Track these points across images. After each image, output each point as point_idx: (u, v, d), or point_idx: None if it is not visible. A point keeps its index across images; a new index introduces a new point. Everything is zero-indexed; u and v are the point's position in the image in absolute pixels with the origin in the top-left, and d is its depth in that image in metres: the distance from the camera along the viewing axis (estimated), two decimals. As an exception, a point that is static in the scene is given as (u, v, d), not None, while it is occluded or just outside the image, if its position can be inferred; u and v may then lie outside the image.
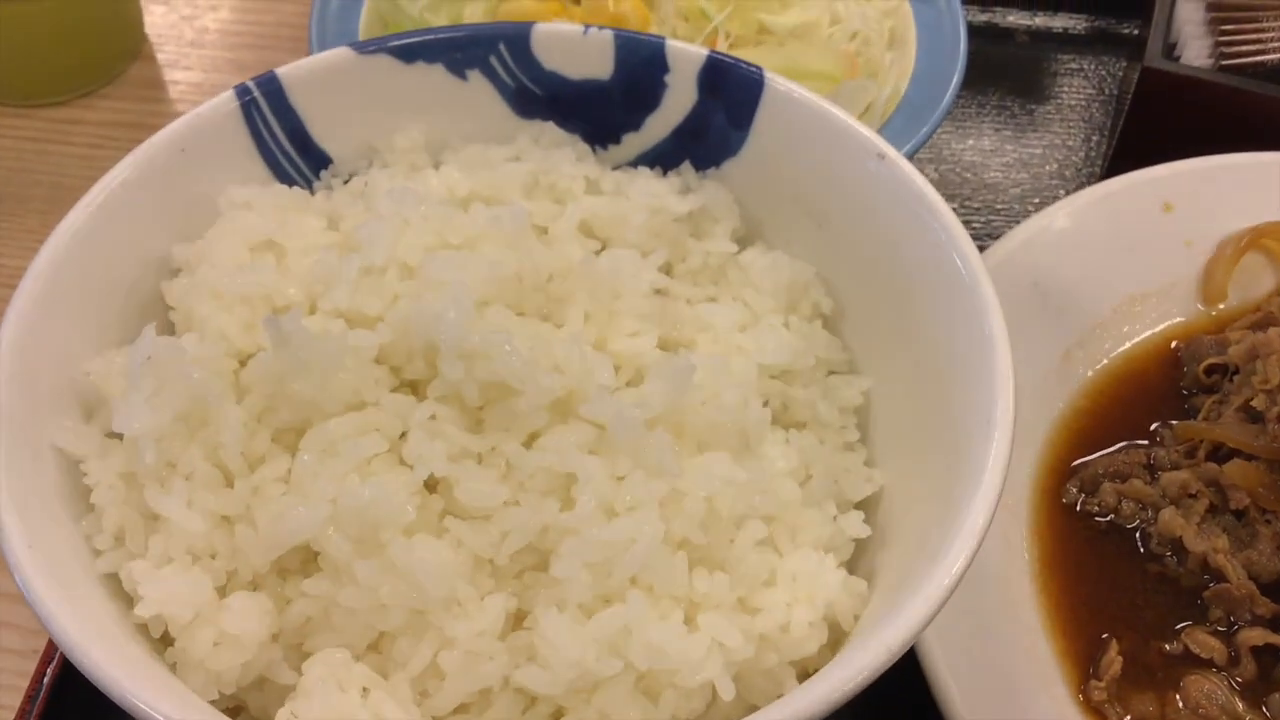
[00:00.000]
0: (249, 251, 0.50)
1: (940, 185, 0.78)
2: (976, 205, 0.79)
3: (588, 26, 0.57)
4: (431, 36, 0.56)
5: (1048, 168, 0.81)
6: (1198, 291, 0.68)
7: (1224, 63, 0.72)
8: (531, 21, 0.57)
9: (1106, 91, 0.85)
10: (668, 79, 0.57)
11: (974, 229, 0.77)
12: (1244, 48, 0.73)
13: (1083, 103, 0.84)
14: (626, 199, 0.54)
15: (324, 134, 0.56)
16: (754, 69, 0.55)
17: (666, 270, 0.55)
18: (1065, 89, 0.86)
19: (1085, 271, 0.67)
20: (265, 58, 0.87)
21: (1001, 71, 0.86)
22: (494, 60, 0.57)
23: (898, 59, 0.72)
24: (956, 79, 0.70)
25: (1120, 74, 0.86)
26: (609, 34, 0.57)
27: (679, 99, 0.57)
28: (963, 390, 0.47)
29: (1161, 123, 0.74)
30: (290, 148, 0.55)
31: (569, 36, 0.57)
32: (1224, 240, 0.68)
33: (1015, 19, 0.90)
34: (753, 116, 0.56)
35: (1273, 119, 0.71)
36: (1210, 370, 0.63)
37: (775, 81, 0.55)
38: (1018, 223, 0.75)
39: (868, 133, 0.53)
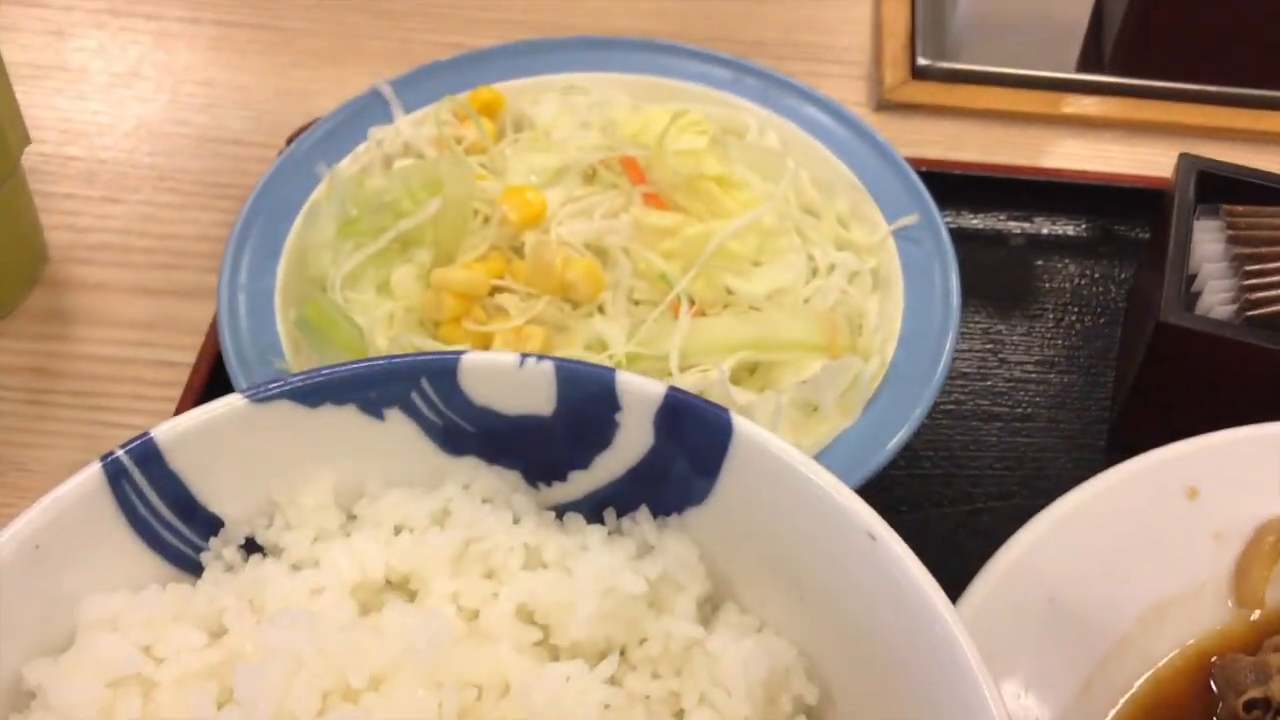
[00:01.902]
0: (108, 689, 0.41)
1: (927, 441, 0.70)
2: (963, 463, 0.71)
3: (524, 357, 0.48)
4: (341, 373, 0.48)
5: (1044, 412, 0.72)
6: (1230, 591, 0.60)
7: (1250, 313, 0.65)
8: (459, 351, 0.48)
9: (1112, 307, 0.78)
10: (619, 417, 0.49)
11: (961, 491, 0.69)
12: (1274, 292, 0.65)
13: (1085, 329, 0.76)
14: (572, 580, 0.46)
15: (213, 496, 0.48)
16: (720, 413, 0.47)
17: (622, 651, 0.47)
18: (1065, 304, 0.78)
19: (1105, 577, 0.58)
20: (183, 281, 0.78)
21: (991, 285, 0.78)
22: (416, 397, 0.49)
23: (883, 317, 0.64)
24: (949, 343, 0.62)
25: (1127, 288, 0.79)
26: (549, 366, 0.48)
27: (633, 439, 0.49)
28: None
29: (1180, 382, 0.66)
30: (173, 517, 0.47)
31: (503, 369, 0.49)
32: (1258, 530, 0.60)
33: (1009, 222, 0.82)
34: (719, 466, 0.48)
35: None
36: (1250, 705, 0.55)
37: (745, 430, 0.47)
38: (1013, 492, 0.68)
39: (858, 506, 0.45)
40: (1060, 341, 0.76)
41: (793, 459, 0.46)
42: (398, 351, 0.59)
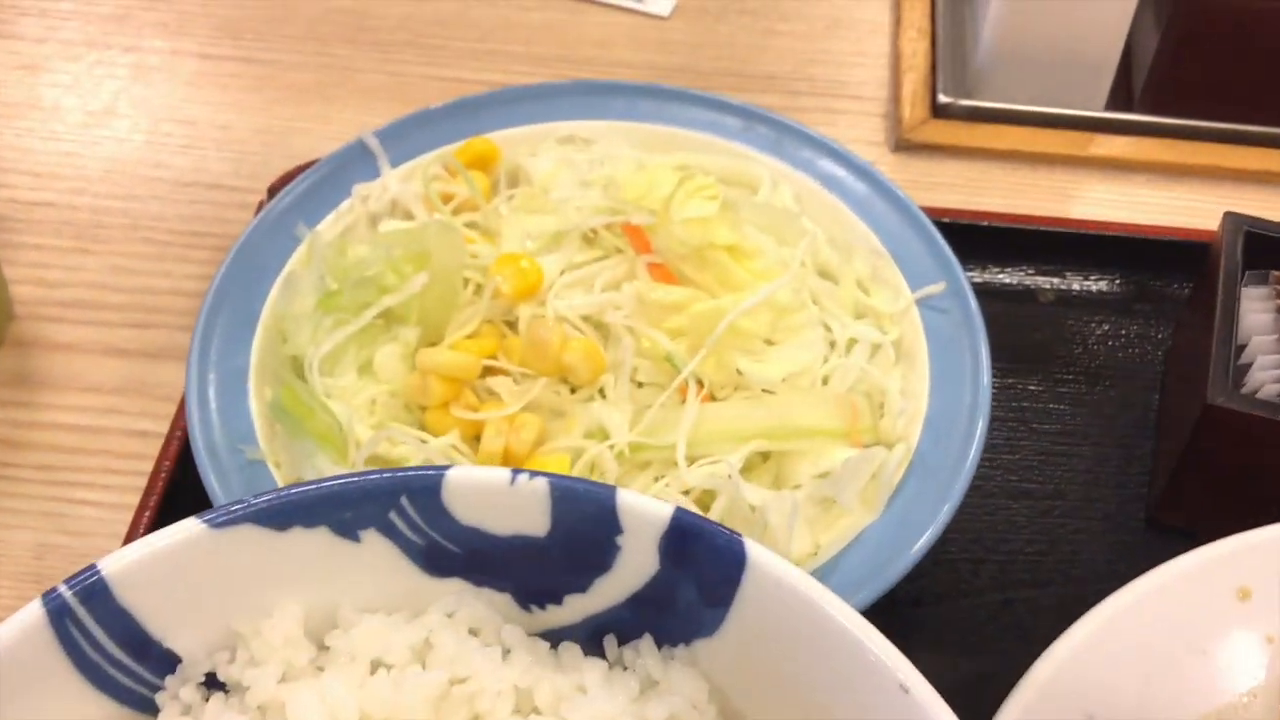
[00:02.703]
0: None
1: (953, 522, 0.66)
2: (992, 547, 0.66)
3: (516, 474, 0.44)
4: (311, 493, 0.43)
5: (1078, 489, 0.67)
6: (1286, 702, 0.56)
7: (1302, 392, 0.60)
8: (444, 468, 0.44)
9: (1150, 371, 0.73)
10: (620, 540, 0.44)
11: (991, 579, 0.64)
12: (1325, 368, 0.61)
13: (1120, 396, 0.71)
14: (567, 730, 0.41)
15: (168, 631, 0.43)
16: (733, 539, 0.42)
17: (622, 805, 0.42)
18: (1099, 368, 0.73)
19: (1149, 688, 0.54)
20: (156, 341, 0.73)
21: (1019, 346, 0.73)
22: (395, 517, 0.44)
23: (908, 396, 0.59)
24: (980, 428, 0.58)
25: (1166, 349, 0.73)
26: (543, 485, 0.44)
27: (636, 564, 0.44)
28: None
29: (1228, 465, 0.61)
30: (124, 656, 0.42)
31: (492, 487, 0.44)
32: (1316, 636, 0.56)
33: (1036, 276, 0.77)
34: (732, 597, 0.43)
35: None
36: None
37: (761, 560, 0.42)
38: (1047, 579, 0.64)
39: (890, 653, 0.40)
40: (1094, 410, 0.71)
41: (816, 596, 0.41)
42: (380, 442, 0.54)
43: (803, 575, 0.41)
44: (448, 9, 0.93)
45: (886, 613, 0.62)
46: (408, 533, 0.44)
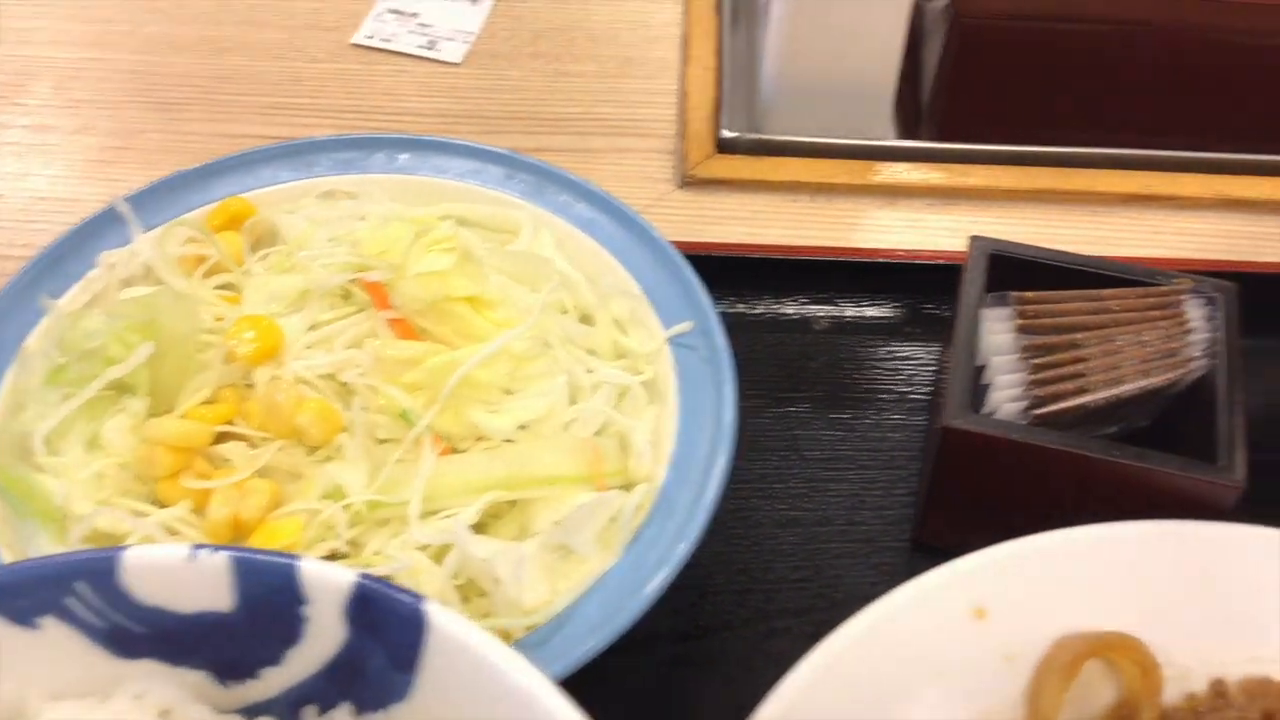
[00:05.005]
0: None
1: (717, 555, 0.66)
2: (757, 577, 0.67)
3: (196, 549, 0.43)
4: (-20, 581, 0.42)
5: (843, 514, 0.69)
6: (1025, 717, 0.57)
7: (1037, 411, 0.61)
8: (117, 549, 0.43)
9: (919, 392, 0.74)
10: (306, 610, 0.44)
11: (755, 610, 0.65)
12: (1062, 385, 0.62)
13: (890, 421, 0.73)
14: (247, 809, 0.41)
15: None
16: (414, 603, 0.42)
17: None
18: (869, 392, 0.74)
19: (887, 712, 0.55)
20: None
21: (793, 377, 0.75)
22: (73, 602, 0.43)
23: (659, 436, 0.60)
24: (720, 465, 0.58)
25: (935, 370, 0.75)
26: (222, 559, 0.43)
27: (324, 633, 0.44)
28: None
29: (971, 486, 0.63)
30: None
31: (169, 566, 0.43)
32: (1052, 650, 0.57)
33: (811, 305, 0.79)
34: (418, 662, 0.43)
35: (1086, 479, 0.60)
36: (1042, 847, 0.52)
37: (441, 621, 0.42)
38: (809, 606, 0.64)
39: (566, 712, 0.40)
40: (863, 434, 0.72)
41: (492, 654, 0.41)
42: (103, 517, 0.54)
43: (484, 635, 0.42)
44: (234, 64, 0.93)
45: (648, 650, 0.63)
46: (89, 616, 0.43)
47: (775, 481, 0.70)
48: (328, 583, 0.43)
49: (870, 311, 0.79)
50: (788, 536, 0.67)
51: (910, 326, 0.78)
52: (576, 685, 0.54)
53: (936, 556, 0.62)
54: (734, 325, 0.77)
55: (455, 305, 0.59)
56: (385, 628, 0.42)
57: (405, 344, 0.58)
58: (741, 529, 0.67)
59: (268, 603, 0.43)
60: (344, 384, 0.58)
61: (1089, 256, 0.68)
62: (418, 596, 0.42)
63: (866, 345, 0.77)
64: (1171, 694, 0.58)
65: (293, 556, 0.43)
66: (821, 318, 0.78)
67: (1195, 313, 0.65)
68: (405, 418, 0.56)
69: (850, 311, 0.78)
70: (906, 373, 0.76)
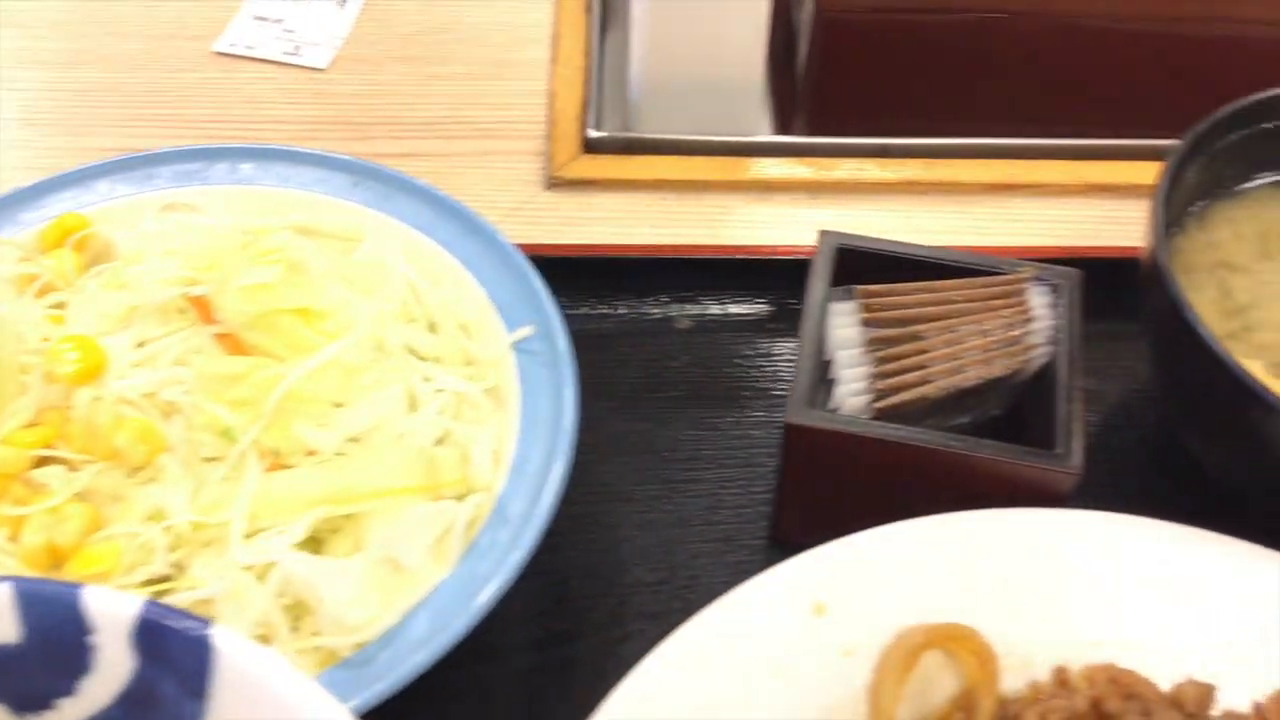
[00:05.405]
0: None
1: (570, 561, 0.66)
2: (612, 581, 0.66)
3: (-23, 581, 0.42)
4: None
5: (701, 514, 0.68)
6: (865, 712, 0.57)
7: (879, 404, 0.61)
8: (-106, 585, 0.42)
9: (780, 389, 0.74)
10: (93, 639, 0.43)
11: (610, 615, 0.64)
12: (904, 377, 0.62)
13: (752, 417, 0.73)
14: None
15: None
16: (199, 628, 0.41)
17: None
18: (731, 390, 0.74)
19: (729, 711, 0.54)
20: None
21: (654, 380, 0.74)
22: None
23: (500, 445, 0.59)
24: (557, 471, 0.58)
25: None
26: (6, 589, 0.42)
27: (114, 662, 0.43)
28: None
29: (817, 480, 0.63)
30: None
31: (-51, 599, 0.42)
32: (891, 644, 0.57)
33: (671, 305, 0.78)
34: (208, 688, 0.42)
35: (927, 471, 0.60)
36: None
37: (229, 646, 0.41)
38: (664, 610, 0.64)
39: (342, 727, 0.40)
40: (724, 433, 0.72)
41: (280, 678, 0.40)
42: (-88, 551, 0.52)
43: (268, 656, 0.41)
44: (90, 78, 0.91)
45: (501, 660, 0.62)
46: None
47: (634, 484, 0.69)
48: (112, 611, 0.41)
49: (734, 309, 0.78)
50: (645, 539, 0.67)
51: (774, 323, 0.78)
52: (422, 699, 0.54)
53: (793, 554, 0.62)
54: (595, 328, 0.77)
55: (283, 318, 0.58)
56: (173, 655, 0.41)
57: (230, 359, 0.57)
58: (598, 533, 0.67)
59: (56, 633, 0.42)
60: (169, 403, 0.57)
61: (935, 247, 0.68)
62: (204, 621, 0.41)
63: (730, 343, 0.77)
64: (1015, 683, 0.58)
65: (75, 585, 0.42)
66: (684, 317, 0.78)
67: (1038, 300, 0.66)
68: (229, 435, 0.55)
69: (714, 310, 0.78)
70: (769, 369, 0.76)
